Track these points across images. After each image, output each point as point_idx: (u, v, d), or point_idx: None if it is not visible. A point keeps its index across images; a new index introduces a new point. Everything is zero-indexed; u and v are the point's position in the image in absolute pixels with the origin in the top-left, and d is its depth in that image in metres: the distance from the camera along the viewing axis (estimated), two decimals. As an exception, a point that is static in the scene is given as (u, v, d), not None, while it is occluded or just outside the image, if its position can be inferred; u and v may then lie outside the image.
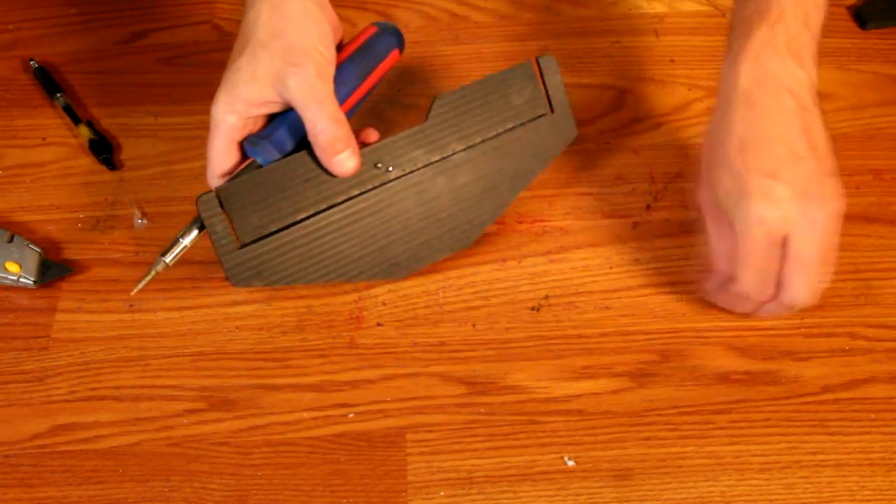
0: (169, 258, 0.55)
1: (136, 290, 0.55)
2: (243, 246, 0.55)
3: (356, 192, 0.56)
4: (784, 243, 0.50)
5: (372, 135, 0.57)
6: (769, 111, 0.51)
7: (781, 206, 0.49)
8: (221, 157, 0.55)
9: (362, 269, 0.57)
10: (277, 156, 0.54)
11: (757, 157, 0.50)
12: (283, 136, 0.54)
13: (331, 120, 0.52)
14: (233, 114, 0.54)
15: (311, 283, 0.57)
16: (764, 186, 0.49)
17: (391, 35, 0.58)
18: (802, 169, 0.50)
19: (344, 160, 0.54)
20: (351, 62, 0.56)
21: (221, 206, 0.54)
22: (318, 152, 0.53)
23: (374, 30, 0.58)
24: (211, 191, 0.54)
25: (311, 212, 0.55)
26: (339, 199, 0.56)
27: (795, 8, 0.53)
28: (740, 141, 0.51)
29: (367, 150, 0.55)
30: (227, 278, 0.55)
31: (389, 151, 0.56)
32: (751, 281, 0.52)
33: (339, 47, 0.56)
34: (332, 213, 0.56)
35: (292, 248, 0.55)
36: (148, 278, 0.55)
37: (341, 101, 0.54)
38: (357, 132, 0.55)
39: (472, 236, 0.59)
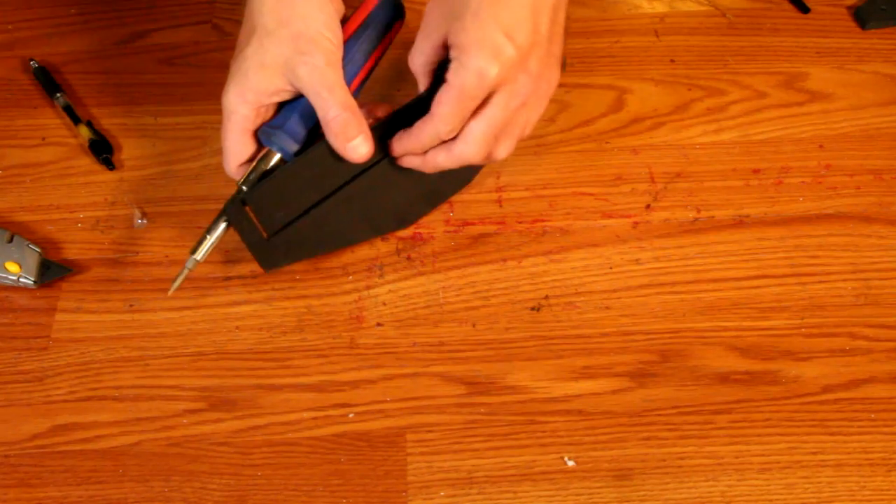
0: (199, 255, 0.55)
1: (171, 291, 0.56)
2: (269, 237, 0.57)
3: (361, 171, 0.57)
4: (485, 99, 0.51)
5: (381, 109, 0.57)
6: None
7: (505, 67, 0.49)
8: (237, 147, 0.55)
9: (363, 233, 0.61)
10: (293, 144, 0.55)
11: (499, 8, 0.49)
12: (296, 125, 0.54)
13: (342, 107, 0.52)
14: (245, 104, 0.54)
15: (323, 253, 0.60)
16: (497, 40, 0.49)
17: (392, 5, 0.58)
18: (538, 42, 0.51)
19: (357, 146, 0.53)
20: (356, 39, 0.56)
21: (244, 203, 0.55)
22: (332, 139, 0.53)
23: (375, 1, 0.58)
24: (238, 192, 0.55)
25: (325, 195, 0.57)
26: (350, 178, 0.57)
27: None
28: None
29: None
30: (260, 266, 0.58)
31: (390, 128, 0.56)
32: (448, 122, 0.51)
33: (343, 20, 0.56)
34: (343, 192, 0.57)
35: (310, 228, 0.58)
36: (181, 277, 0.56)
37: (349, 80, 0.55)
38: (366, 107, 0.56)
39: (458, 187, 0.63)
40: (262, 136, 0.55)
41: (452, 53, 0.50)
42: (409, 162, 0.56)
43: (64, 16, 0.75)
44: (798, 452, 0.53)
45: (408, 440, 0.54)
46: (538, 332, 0.58)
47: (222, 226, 0.56)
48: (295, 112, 0.54)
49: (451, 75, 0.50)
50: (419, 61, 0.53)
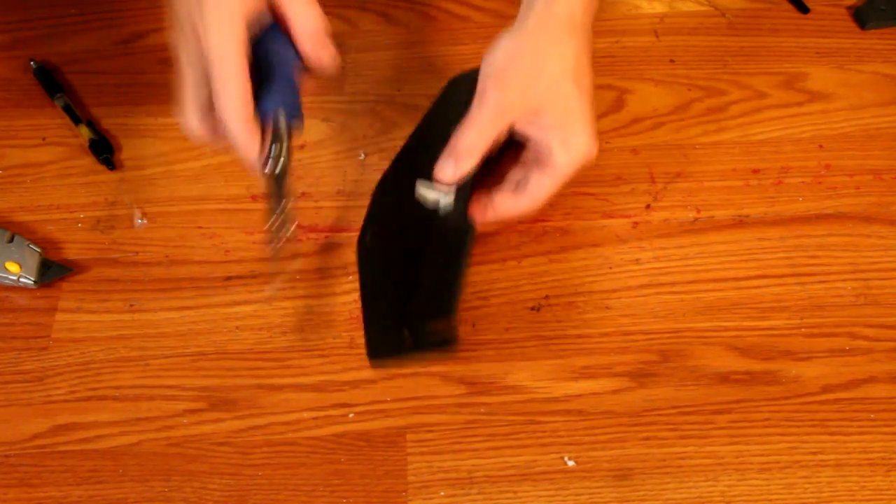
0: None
1: (281, 239, 0.52)
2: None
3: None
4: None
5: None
6: (587, 52, 0.54)
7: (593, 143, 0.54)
8: (242, 101, 0.48)
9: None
10: (298, 110, 0.50)
11: (580, 87, 0.53)
12: (284, 90, 0.50)
13: (320, 14, 0.49)
14: (234, 39, 0.47)
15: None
16: (589, 117, 0.53)
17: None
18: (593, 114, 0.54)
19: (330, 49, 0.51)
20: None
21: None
22: (308, 45, 0.49)
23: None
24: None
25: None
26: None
27: None
28: (576, 66, 0.53)
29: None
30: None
31: None
32: (543, 202, 0.55)
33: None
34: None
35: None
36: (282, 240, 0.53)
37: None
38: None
39: None
40: (270, 121, 0.50)
41: (545, 135, 0.53)
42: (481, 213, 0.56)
43: (64, 16, 0.75)
44: (798, 452, 0.53)
45: (408, 440, 0.54)
46: (538, 332, 0.58)
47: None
48: (271, 84, 0.50)
49: (557, 157, 0.52)
50: (486, 140, 0.53)
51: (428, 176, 0.54)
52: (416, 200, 0.55)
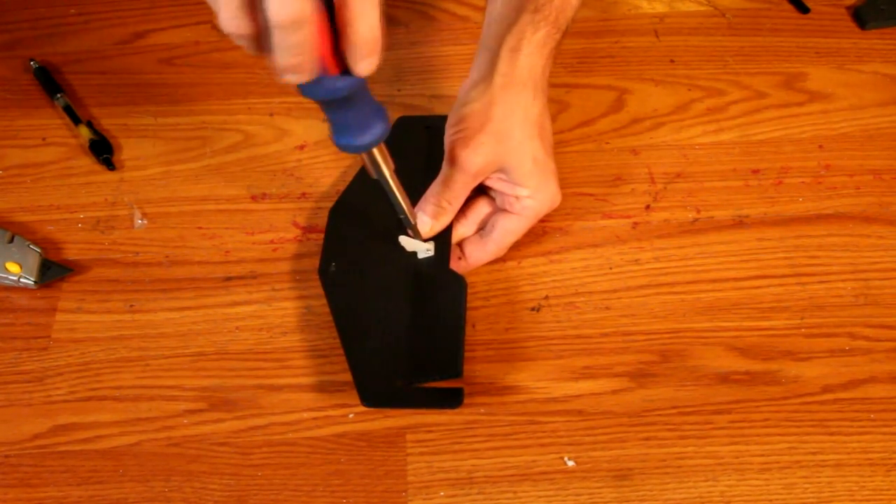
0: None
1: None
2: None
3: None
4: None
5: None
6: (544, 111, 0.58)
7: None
8: None
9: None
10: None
11: (542, 140, 0.57)
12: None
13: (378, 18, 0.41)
14: None
15: None
16: (555, 173, 0.58)
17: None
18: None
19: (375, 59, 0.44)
20: None
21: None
22: (357, 50, 0.41)
23: None
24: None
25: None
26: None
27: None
28: (539, 124, 0.56)
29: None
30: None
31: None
32: (508, 247, 0.59)
33: None
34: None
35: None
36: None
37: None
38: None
39: None
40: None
41: (512, 189, 0.57)
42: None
43: (64, 16, 0.75)
44: (798, 452, 0.53)
45: (408, 440, 0.54)
46: (538, 333, 0.58)
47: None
48: None
49: (525, 205, 0.57)
50: (460, 198, 0.57)
51: (389, 211, 0.54)
52: (383, 237, 0.57)
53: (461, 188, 0.57)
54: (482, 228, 0.60)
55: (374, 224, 0.58)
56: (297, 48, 0.39)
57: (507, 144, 0.55)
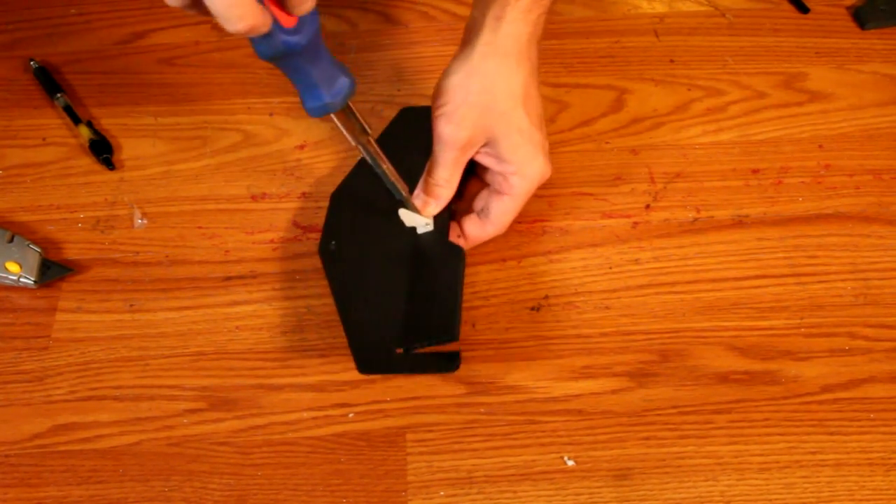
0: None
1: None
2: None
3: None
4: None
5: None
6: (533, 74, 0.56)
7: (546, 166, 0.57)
8: None
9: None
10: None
11: (529, 111, 0.55)
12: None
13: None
14: None
15: None
16: (541, 141, 0.56)
17: None
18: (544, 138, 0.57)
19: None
20: None
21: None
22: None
23: None
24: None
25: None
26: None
27: None
28: (523, 94, 0.55)
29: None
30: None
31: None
32: (505, 226, 0.59)
33: None
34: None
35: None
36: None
37: None
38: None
39: None
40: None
41: (501, 166, 0.56)
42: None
43: (64, 16, 0.75)
44: (797, 452, 0.53)
45: (408, 440, 0.54)
46: (538, 332, 0.58)
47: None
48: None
49: (513, 184, 0.56)
50: (455, 174, 0.56)
51: (389, 195, 0.56)
52: (383, 217, 0.58)
53: (452, 165, 0.56)
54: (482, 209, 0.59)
55: (375, 206, 0.58)
56: None
57: (491, 116, 0.54)
